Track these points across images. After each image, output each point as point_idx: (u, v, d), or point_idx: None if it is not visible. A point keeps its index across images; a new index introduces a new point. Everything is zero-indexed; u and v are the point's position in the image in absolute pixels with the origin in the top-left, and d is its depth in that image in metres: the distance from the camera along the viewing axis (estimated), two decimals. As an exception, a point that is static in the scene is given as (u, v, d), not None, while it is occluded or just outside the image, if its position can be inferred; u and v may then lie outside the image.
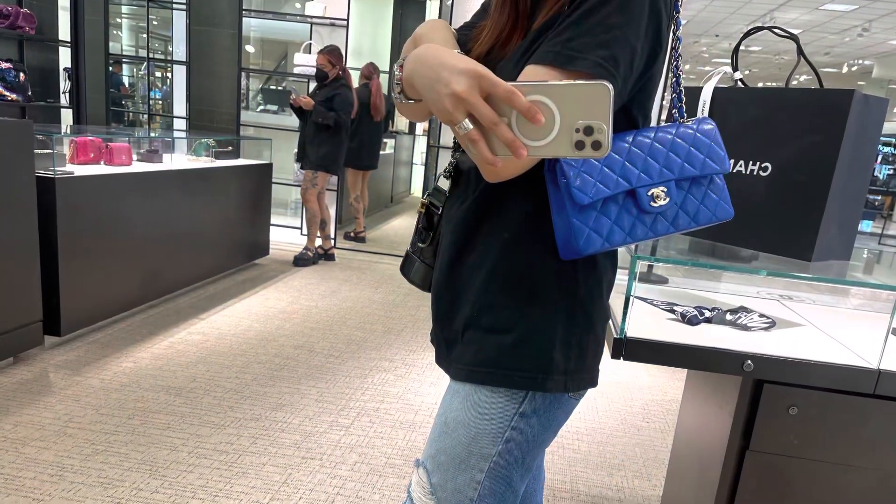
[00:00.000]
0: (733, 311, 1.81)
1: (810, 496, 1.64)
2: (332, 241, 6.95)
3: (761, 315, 1.81)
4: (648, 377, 4.34)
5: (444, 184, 1.32)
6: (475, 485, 1.22)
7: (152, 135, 5.85)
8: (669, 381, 4.30)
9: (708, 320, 1.77)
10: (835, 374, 1.53)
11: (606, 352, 1.44)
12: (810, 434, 1.59)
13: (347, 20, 7.05)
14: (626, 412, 3.75)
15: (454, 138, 1.26)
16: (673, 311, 1.81)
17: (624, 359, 1.60)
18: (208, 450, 2.86)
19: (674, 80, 1.22)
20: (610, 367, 4.41)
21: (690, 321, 1.73)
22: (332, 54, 6.24)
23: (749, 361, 1.53)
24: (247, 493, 2.57)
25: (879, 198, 13.30)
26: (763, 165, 1.60)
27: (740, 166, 1.65)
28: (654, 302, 1.89)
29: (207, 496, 2.53)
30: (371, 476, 2.79)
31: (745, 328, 1.74)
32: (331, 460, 2.88)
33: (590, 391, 1.30)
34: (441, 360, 1.34)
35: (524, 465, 1.25)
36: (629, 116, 1.16)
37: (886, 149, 15.50)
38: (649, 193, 1.10)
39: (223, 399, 3.37)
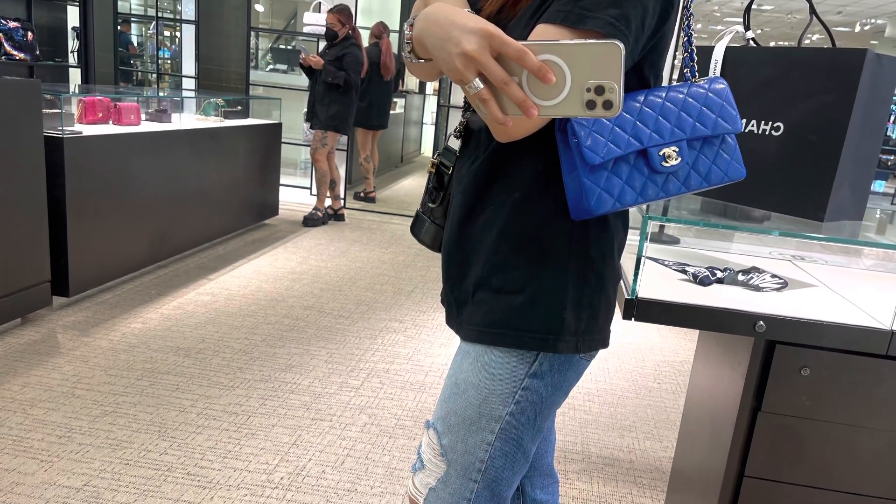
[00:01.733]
0: (745, 272, 1.79)
1: (822, 457, 1.63)
2: (342, 202, 6.95)
3: (773, 276, 1.79)
4: (660, 338, 4.34)
5: (455, 143, 1.30)
6: (486, 446, 1.22)
7: (161, 94, 5.82)
8: (681, 342, 4.30)
9: (720, 281, 1.75)
10: (847, 335, 1.51)
11: (618, 312, 1.43)
12: (822, 395, 1.58)
13: (358, -21, 6.98)
14: (638, 373, 3.75)
15: (464, 98, 1.24)
16: (684, 272, 1.79)
17: (635, 319, 1.59)
18: (217, 411, 2.88)
19: (685, 39, 1.20)
20: (621, 328, 4.41)
21: (702, 282, 1.71)
22: (342, 13, 6.18)
23: (761, 322, 1.52)
24: (256, 455, 2.59)
25: (892, 157, 13.15)
26: (775, 125, 1.58)
27: (752, 126, 1.64)
28: (666, 262, 1.87)
29: (216, 458, 2.55)
30: (381, 437, 2.81)
31: (757, 289, 1.72)
32: (340, 421, 2.90)
33: (601, 352, 1.29)
34: (451, 321, 1.33)
35: (535, 426, 1.24)
36: (641, 76, 1.15)
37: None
38: (661, 153, 1.09)
39: (232, 360, 3.38)
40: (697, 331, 2.20)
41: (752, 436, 1.65)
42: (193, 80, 8.06)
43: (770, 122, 1.58)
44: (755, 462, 1.67)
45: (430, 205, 1.40)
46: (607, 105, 0.87)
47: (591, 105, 0.88)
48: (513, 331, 1.17)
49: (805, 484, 1.65)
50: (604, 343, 1.25)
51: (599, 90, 0.87)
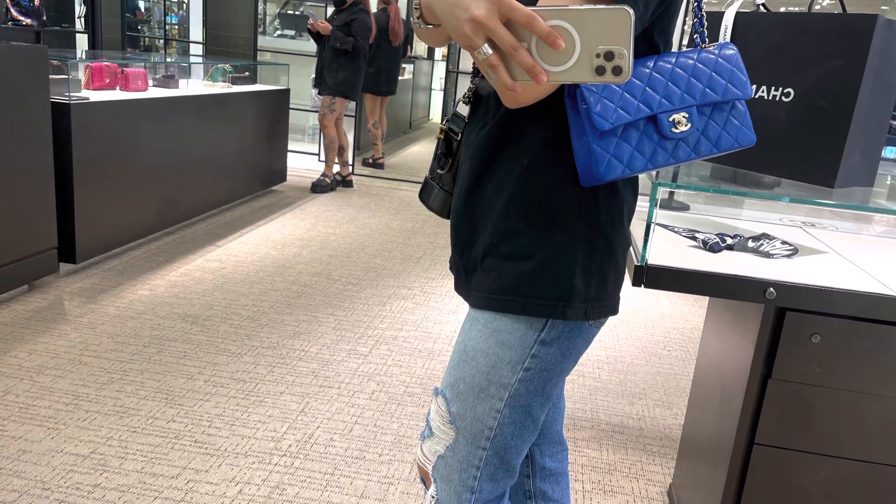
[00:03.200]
0: (755, 239, 1.77)
1: (832, 425, 1.63)
2: (350, 168, 6.94)
3: (784, 242, 1.78)
4: (669, 305, 4.33)
5: (463, 109, 1.30)
6: (495, 413, 1.22)
7: (168, 60, 5.80)
8: (691, 309, 4.29)
9: (730, 247, 1.74)
10: (858, 302, 1.51)
11: (627, 279, 1.42)
12: (833, 362, 1.58)
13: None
14: (647, 340, 3.75)
15: (473, 63, 1.23)
16: (694, 239, 1.78)
17: (645, 286, 1.59)
18: (225, 378, 2.90)
19: (695, 4, 1.19)
20: (631, 296, 4.40)
21: (712, 248, 1.70)
22: None
23: (771, 289, 1.51)
24: (264, 423, 2.61)
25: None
26: (785, 91, 1.58)
27: (762, 92, 1.63)
28: (676, 229, 1.86)
29: (224, 425, 2.57)
30: (389, 405, 2.82)
31: (768, 255, 1.71)
32: (349, 389, 2.91)
33: (610, 319, 1.29)
34: (460, 288, 1.34)
35: (544, 393, 1.25)
36: (650, 41, 1.14)
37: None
38: (671, 119, 1.08)
39: (240, 327, 3.40)
40: (707, 298, 2.20)
41: (762, 403, 1.66)
42: (201, 45, 8.02)
43: (780, 88, 1.58)
44: (765, 429, 1.67)
45: (438, 171, 1.39)
46: (616, 71, 0.87)
47: (600, 71, 0.88)
48: (522, 297, 1.17)
49: (815, 451, 1.66)
50: (613, 310, 1.25)
51: (609, 56, 0.87)
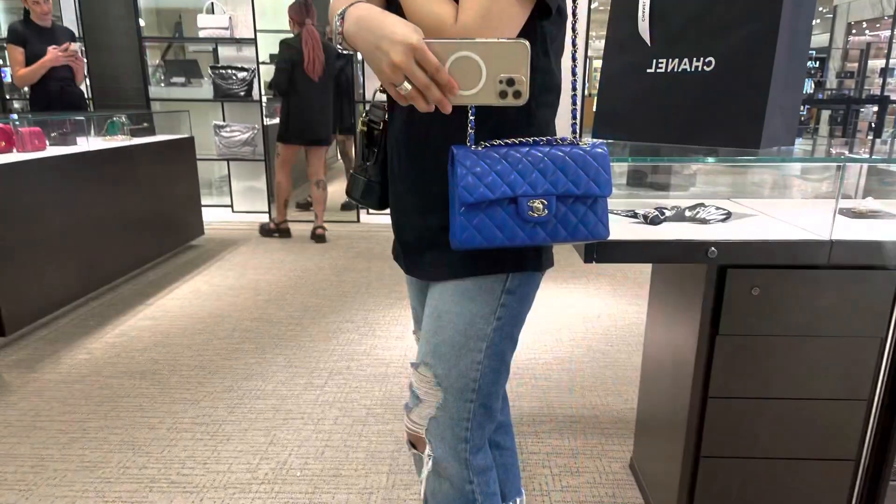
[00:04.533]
0: (691, 208, 1.98)
1: (778, 369, 1.84)
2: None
3: (717, 208, 1.99)
4: (604, 306, 4.57)
5: (382, 96, 1.43)
6: (476, 366, 1.41)
7: (57, 117, 5.66)
8: (626, 307, 4.53)
9: (668, 219, 1.94)
10: (792, 250, 1.72)
11: (578, 259, 1.59)
12: (773, 311, 1.79)
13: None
14: (590, 339, 3.97)
15: None
16: (635, 215, 1.98)
17: (596, 261, 1.76)
18: (187, 423, 2.96)
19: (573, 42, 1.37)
20: (566, 300, 4.63)
21: (653, 221, 1.90)
22: (292, 9, 6.07)
23: (713, 248, 1.71)
24: (235, 457, 2.69)
25: (804, 111, 13.74)
26: (707, 60, 1.73)
27: (685, 64, 1.78)
28: (616, 211, 2.06)
29: (196, 465, 2.64)
30: (355, 426, 2.94)
31: (705, 221, 1.92)
32: (312, 417, 3.01)
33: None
34: (414, 269, 1.51)
35: (512, 339, 1.46)
36: (544, 49, 1.33)
37: (809, 63, 16.03)
38: (529, 203, 1.25)
39: (190, 377, 3.46)
40: (639, 294, 2.39)
41: (712, 359, 1.85)
42: (89, 101, 7.87)
43: (702, 58, 1.73)
44: (717, 383, 1.87)
45: (366, 164, 1.56)
46: (517, 94, 1.10)
47: (503, 95, 1.11)
48: (484, 260, 1.37)
49: (763, 396, 1.87)
50: (551, 261, 1.47)
51: (510, 82, 1.10)
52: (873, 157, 1.91)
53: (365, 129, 1.54)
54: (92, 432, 2.89)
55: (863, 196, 2.30)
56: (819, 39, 15.80)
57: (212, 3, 7.01)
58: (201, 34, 7.15)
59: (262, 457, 2.69)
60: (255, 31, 7.19)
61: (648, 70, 1.85)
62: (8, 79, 8.55)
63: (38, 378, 3.45)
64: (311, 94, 6.23)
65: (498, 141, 1.25)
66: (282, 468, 2.61)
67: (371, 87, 7.50)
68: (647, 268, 5.48)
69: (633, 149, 1.94)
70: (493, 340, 1.40)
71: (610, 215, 2.02)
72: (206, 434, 2.87)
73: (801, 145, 2.03)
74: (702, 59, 1.73)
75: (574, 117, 1.37)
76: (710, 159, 1.78)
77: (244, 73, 7.16)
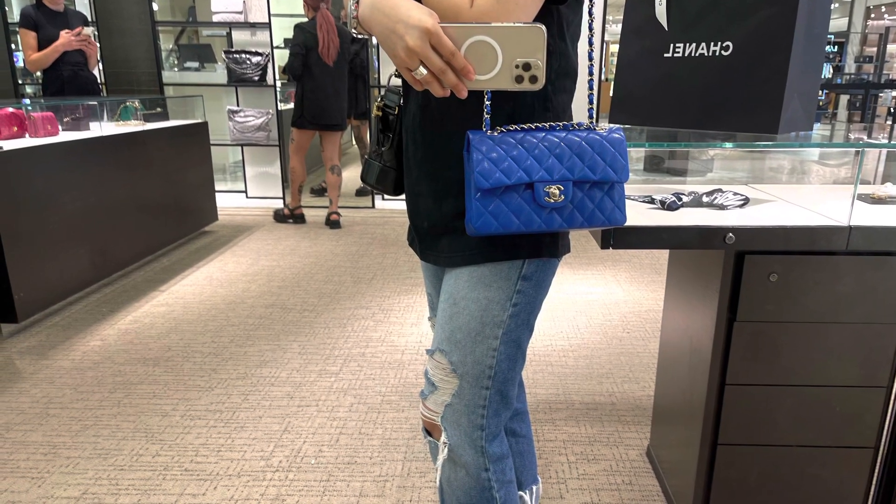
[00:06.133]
0: (709, 194, 1.99)
1: (795, 356, 1.85)
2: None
3: (735, 193, 2.00)
4: (622, 292, 4.58)
5: (397, 81, 1.45)
6: (492, 352, 1.42)
7: (70, 101, 5.71)
8: (643, 294, 4.55)
9: (686, 204, 1.96)
10: (810, 236, 1.73)
11: (595, 245, 1.61)
12: (791, 298, 1.80)
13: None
14: (607, 326, 3.98)
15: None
16: (652, 201, 1.99)
17: (613, 248, 1.78)
18: (201, 411, 3.01)
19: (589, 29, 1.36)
20: (583, 286, 4.64)
21: (670, 207, 1.91)
22: None
23: (730, 234, 1.72)
24: (249, 445, 2.73)
25: (823, 96, 13.65)
26: (724, 45, 1.74)
27: (702, 49, 1.79)
28: (632, 197, 2.07)
29: (210, 452, 2.68)
30: (370, 413, 2.97)
31: (722, 207, 1.93)
32: (327, 405, 3.05)
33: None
34: (430, 255, 1.51)
35: (528, 325, 1.46)
36: (561, 33, 1.34)
37: (827, 47, 15.94)
38: (546, 189, 1.26)
39: (204, 363, 3.50)
40: (656, 281, 2.40)
41: (729, 345, 1.86)
42: (102, 86, 7.94)
43: (719, 43, 1.74)
44: (735, 369, 1.88)
45: (381, 149, 1.57)
46: (533, 79, 1.11)
47: (519, 79, 1.11)
48: (502, 246, 1.37)
49: (781, 383, 1.88)
50: (568, 247, 1.48)
51: (526, 66, 1.10)
52: (892, 142, 1.91)
53: (380, 113, 1.55)
54: (105, 420, 2.94)
55: (882, 181, 2.30)
56: (837, 24, 15.69)
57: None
58: (215, 18, 7.18)
59: (276, 444, 2.73)
60: (270, 14, 7.23)
61: (665, 55, 1.86)
62: (20, 63, 8.61)
63: (49, 365, 3.50)
64: (325, 79, 6.27)
65: (514, 126, 1.26)
66: (296, 456, 2.65)
67: (386, 72, 7.45)
68: (664, 254, 5.49)
69: (649, 134, 1.94)
70: (509, 327, 1.41)
71: (627, 201, 2.04)
72: (219, 422, 2.91)
73: (819, 130, 2.03)
74: (719, 43, 1.74)
75: (591, 102, 1.38)
76: (728, 144, 1.79)
77: (258, 58, 7.19)
